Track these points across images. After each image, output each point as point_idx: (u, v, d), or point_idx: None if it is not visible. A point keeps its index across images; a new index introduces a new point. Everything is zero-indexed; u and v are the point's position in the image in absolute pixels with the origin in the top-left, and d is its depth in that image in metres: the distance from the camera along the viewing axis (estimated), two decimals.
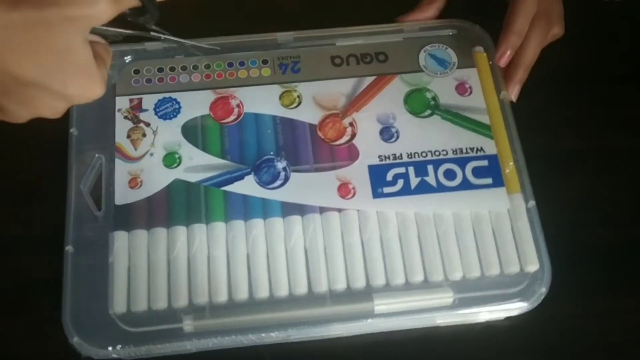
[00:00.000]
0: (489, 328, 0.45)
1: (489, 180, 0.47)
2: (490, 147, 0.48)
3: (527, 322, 0.45)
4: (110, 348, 0.42)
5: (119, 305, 0.43)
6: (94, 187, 0.47)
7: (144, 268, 0.44)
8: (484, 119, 0.49)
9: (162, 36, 0.46)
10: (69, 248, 0.44)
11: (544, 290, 0.44)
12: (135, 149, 0.47)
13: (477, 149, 0.48)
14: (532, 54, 0.49)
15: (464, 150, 0.48)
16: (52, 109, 0.37)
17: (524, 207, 0.46)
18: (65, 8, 0.32)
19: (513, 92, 0.49)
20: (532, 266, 0.45)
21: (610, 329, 0.46)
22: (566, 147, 0.51)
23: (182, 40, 0.48)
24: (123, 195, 0.46)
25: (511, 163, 0.47)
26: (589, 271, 0.47)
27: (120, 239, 0.45)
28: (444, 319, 0.44)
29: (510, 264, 0.45)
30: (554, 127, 0.52)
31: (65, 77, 0.35)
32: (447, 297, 0.44)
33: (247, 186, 0.46)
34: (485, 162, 0.47)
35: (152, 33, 0.44)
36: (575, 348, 0.46)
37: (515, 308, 0.44)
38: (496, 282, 0.45)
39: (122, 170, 0.46)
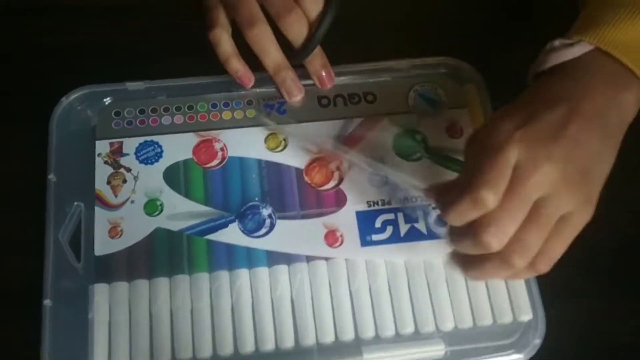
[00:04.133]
0: None
1: None
2: None
3: None
4: None
5: None
6: (73, 237, 0.45)
7: (126, 322, 0.43)
8: None
9: None
10: (47, 302, 0.43)
11: (538, 341, 0.43)
12: (116, 196, 0.46)
13: None
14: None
15: None
16: None
17: None
18: None
19: None
20: (526, 315, 0.44)
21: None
22: None
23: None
24: (103, 245, 0.44)
25: None
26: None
27: (100, 291, 0.43)
28: None
29: (503, 313, 0.44)
30: None
31: None
32: (439, 350, 0.43)
33: (232, 235, 0.45)
34: None
35: None
36: None
37: None
38: (489, 332, 0.44)
39: (102, 219, 0.45)
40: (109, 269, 0.44)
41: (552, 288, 0.44)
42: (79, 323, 0.43)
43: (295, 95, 0.48)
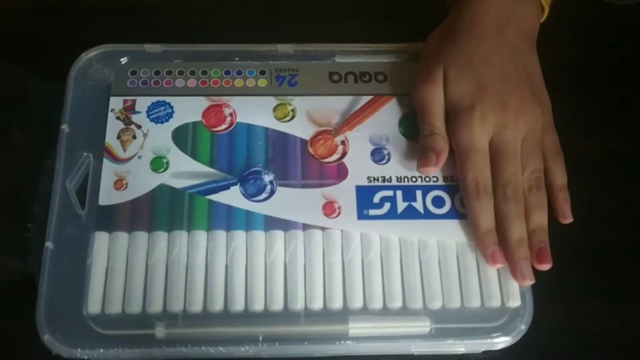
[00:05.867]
0: None
1: None
2: None
3: (505, 356, 0.44)
4: (79, 349, 0.42)
5: (93, 306, 0.43)
6: (81, 186, 0.47)
7: (122, 271, 0.44)
8: None
9: None
10: (49, 244, 0.44)
11: (523, 327, 0.43)
12: (124, 151, 0.47)
13: None
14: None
15: (456, 178, 0.47)
16: None
17: None
18: None
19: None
20: (514, 302, 0.44)
21: None
22: None
23: None
24: (107, 195, 0.46)
25: None
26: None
27: (100, 239, 0.45)
28: (418, 348, 0.43)
29: (492, 297, 0.44)
30: None
31: None
32: (424, 326, 0.43)
33: (232, 197, 0.46)
34: None
35: None
36: None
37: (493, 343, 0.43)
38: (476, 314, 0.44)
39: (108, 171, 0.46)
40: (111, 218, 0.45)
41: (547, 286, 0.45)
42: (78, 268, 0.44)
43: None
